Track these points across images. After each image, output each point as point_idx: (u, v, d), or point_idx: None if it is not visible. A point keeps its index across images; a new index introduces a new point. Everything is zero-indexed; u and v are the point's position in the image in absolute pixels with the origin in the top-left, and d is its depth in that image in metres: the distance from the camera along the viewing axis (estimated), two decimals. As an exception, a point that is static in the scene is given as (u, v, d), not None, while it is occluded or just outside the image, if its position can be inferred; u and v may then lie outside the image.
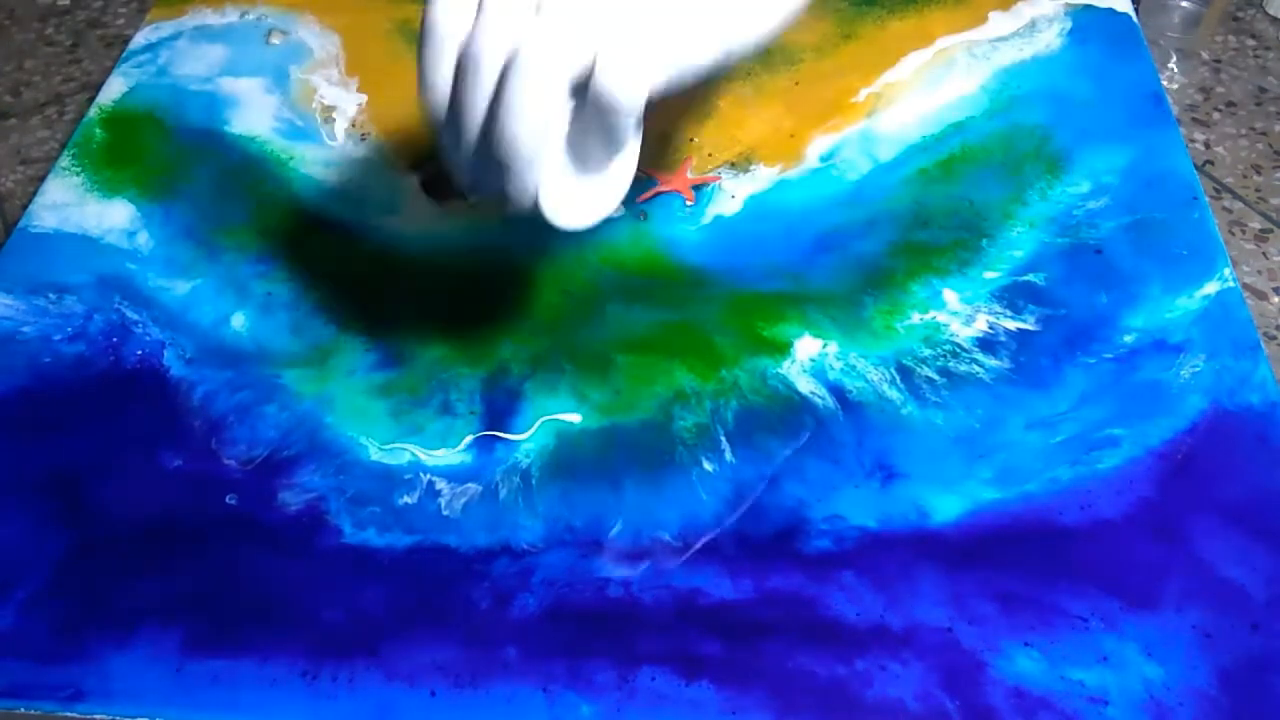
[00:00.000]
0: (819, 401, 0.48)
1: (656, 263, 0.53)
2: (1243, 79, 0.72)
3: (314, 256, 0.54)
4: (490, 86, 0.33)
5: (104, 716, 0.39)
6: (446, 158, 0.36)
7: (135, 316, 0.52)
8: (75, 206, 0.56)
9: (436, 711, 0.39)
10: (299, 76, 0.63)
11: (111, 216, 0.56)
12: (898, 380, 0.48)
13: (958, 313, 0.51)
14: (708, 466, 0.46)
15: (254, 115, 0.60)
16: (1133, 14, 0.65)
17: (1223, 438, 0.46)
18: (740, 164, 0.58)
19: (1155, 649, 0.40)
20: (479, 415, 0.48)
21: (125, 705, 0.39)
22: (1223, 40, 0.75)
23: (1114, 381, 0.48)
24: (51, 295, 0.52)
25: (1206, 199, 0.55)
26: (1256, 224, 0.63)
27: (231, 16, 0.67)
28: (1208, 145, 0.68)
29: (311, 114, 0.61)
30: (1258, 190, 0.65)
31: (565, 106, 0.34)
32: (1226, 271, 0.51)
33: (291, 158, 0.59)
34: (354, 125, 0.61)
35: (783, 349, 0.49)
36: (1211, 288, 0.51)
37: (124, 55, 0.65)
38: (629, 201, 0.56)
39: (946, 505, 0.44)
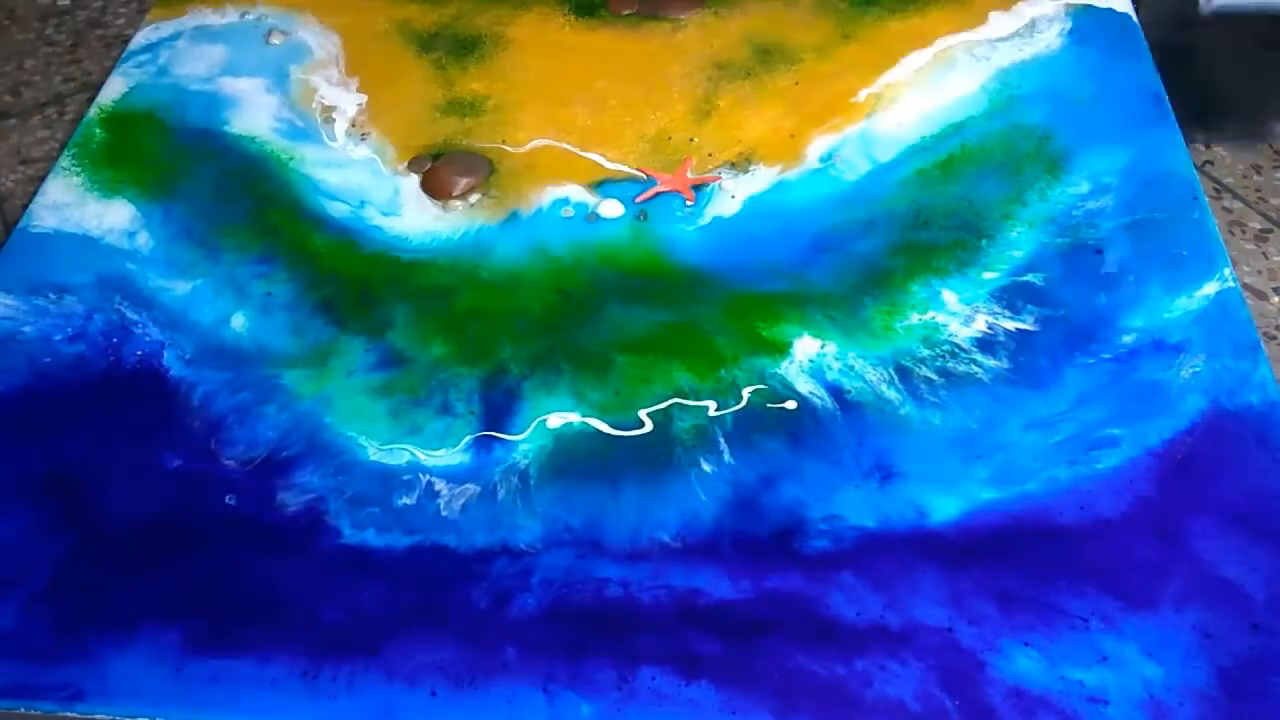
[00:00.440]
0: (817, 402, 0.48)
1: (656, 263, 0.53)
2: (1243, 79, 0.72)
3: (314, 256, 0.54)
4: None
5: (104, 716, 0.39)
6: None
7: (135, 317, 0.52)
8: (75, 206, 0.56)
9: (436, 711, 0.39)
10: (299, 76, 0.63)
11: (111, 216, 0.56)
12: (896, 380, 0.48)
13: (956, 313, 0.51)
14: (706, 467, 0.46)
15: (254, 115, 0.60)
16: (1133, 14, 0.65)
17: (1222, 438, 0.46)
18: (740, 164, 0.58)
19: (1155, 649, 0.40)
20: (478, 415, 0.48)
21: (125, 705, 0.39)
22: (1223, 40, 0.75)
23: (1113, 381, 0.48)
24: (51, 295, 0.52)
25: (1206, 199, 0.55)
26: (1256, 224, 0.63)
27: (231, 16, 0.67)
28: (1208, 145, 0.68)
29: (311, 114, 0.61)
30: (1258, 190, 0.65)
31: None
32: (1226, 271, 0.51)
33: (291, 158, 0.59)
34: (354, 125, 0.61)
35: (782, 349, 0.49)
36: (1211, 288, 0.51)
37: (124, 55, 0.65)
38: (629, 201, 0.56)
39: (945, 505, 0.44)
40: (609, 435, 0.47)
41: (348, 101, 0.62)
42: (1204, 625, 0.41)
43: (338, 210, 0.56)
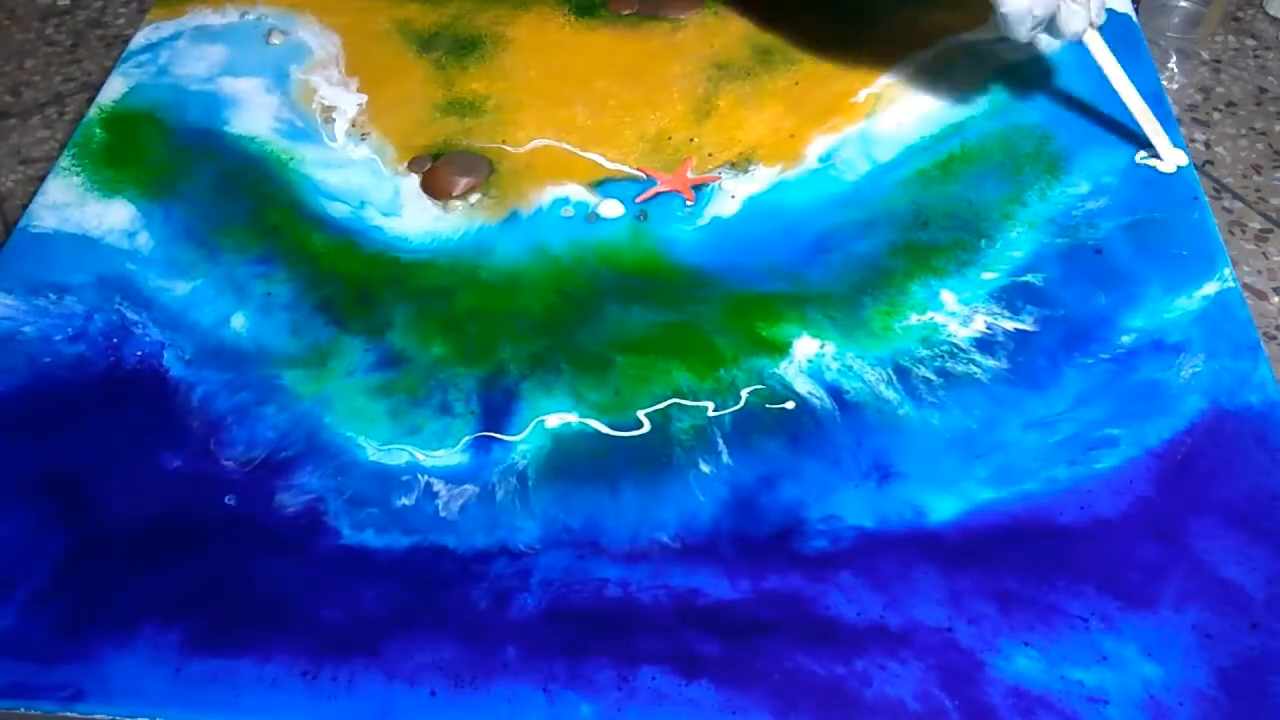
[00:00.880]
0: (816, 402, 0.48)
1: (655, 263, 0.54)
2: (1243, 79, 0.72)
3: (314, 256, 0.54)
4: None
5: (104, 716, 0.39)
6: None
7: (135, 317, 0.52)
8: (75, 206, 0.57)
9: (436, 711, 0.39)
10: (299, 76, 0.63)
11: (111, 216, 0.56)
12: (894, 380, 0.48)
13: (956, 313, 0.51)
14: (705, 468, 0.46)
15: (254, 115, 0.60)
16: (1133, 14, 0.65)
17: (1222, 438, 0.46)
18: (740, 164, 0.58)
19: (1154, 649, 0.40)
20: (477, 416, 0.48)
21: (125, 705, 0.39)
22: (1223, 40, 0.75)
23: (1112, 381, 0.48)
24: (51, 295, 0.52)
25: (1206, 199, 0.55)
26: (1256, 224, 0.63)
27: (231, 16, 0.67)
28: (1208, 145, 0.68)
29: (311, 114, 0.61)
30: (1258, 190, 0.65)
31: None
32: (1226, 271, 0.51)
33: (291, 158, 0.59)
34: (354, 125, 0.61)
35: (781, 349, 0.49)
36: (1211, 288, 0.51)
37: (124, 55, 0.65)
38: (629, 201, 0.56)
39: (943, 505, 0.44)
40: (608, 435, 0.47)
41: (348, 101, 0.62)
42: (1204, 625, 0.41)
43: (338, 210, 0.56)
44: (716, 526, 0.44)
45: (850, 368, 0.49)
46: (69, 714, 0.39)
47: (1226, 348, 0.48)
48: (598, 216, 0.56)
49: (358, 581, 0.43)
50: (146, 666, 0.40)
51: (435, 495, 0.45)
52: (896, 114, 0.60)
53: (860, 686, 0.39)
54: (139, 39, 0.66)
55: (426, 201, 0.57)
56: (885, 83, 0.61)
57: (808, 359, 0.49)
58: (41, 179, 0.58)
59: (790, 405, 0.47)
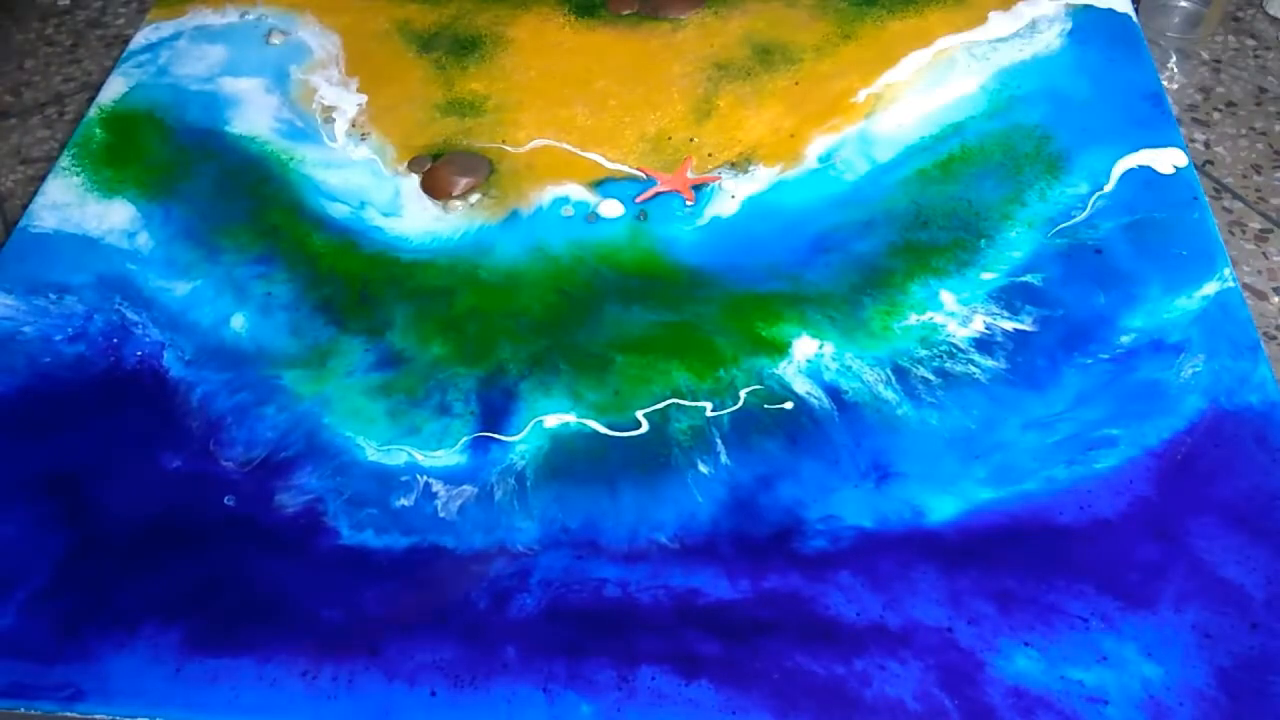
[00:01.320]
0: (815, 402, 0.48)
1: (655, 263, 0.54)
2: (1243, 79, 0.72)
3: (314, 256, 0.54)
4: None
5: (104, 716, 0.39)
6: None
7: (135, 317, 0.52)
8: (75, 206, 0.56)
9: (436, 711, 0.39)
10: (299, 76, 0.63)
11: (111, 216, 0.56)
12: (893, 380, 0.48)
13: (955, 313, 0.51)
14: (703, 469, 0.46)
15: (254, 115, 0.60)
16: (1133, 14, 0.65)
17: (1222, 438, 0.46)
18: (740, 164, 0.58)
19: (1154, 649, 0.40)
20: (476, 416, 0.48)
21: (125, 705, 0.39)
22: (1223, 40, 0.75)
23: (1112, 381, 0.48)
24: (51, 295, 0.52)
25: (1206, 199, 0.55)
26: (1256, 224, 0.63)
27: (231, 16, 0.67)
28: (1208, 145, 0.68)
29: (311, 114, 0.61)
30: (1258, 190, 0.65)
31: None
32: (1226, 272, 0.51)
33: (291, 158, 0.59)
34: (354, 125, 0.61)
35: (781, 349, 0.49)
36: (1211, 288, 0.51)
37: (124, 55, 0.65)
38: (629, 201, 0.56)
39: (942, 505, 0.44)
40: (606, 436, 0.47)
41: (348, 101, 0.62)
42: (1203, 625, 0.41)
43: (338, 210, 0.56)
44: (715, 527, 0.44)
45: (849, 368, 0.49)
46: (69, 714, 0.39)
47: (1226, 348, 0.48)
48: (598, 216, 0.56)
49: (358, 582, 0.43)
50: (146, 666, 0.40)
51: (434, 496, 0.45)
52: (896, 114, 0.60)
53: (860, 686, 0.39)
54: (139, 39, 0.66)
55: (426, 201, 0.57)
56: (885, 83, 0.61)
57: (807, 359, 0.49)
58: (41, 179, 0.58)
59: (789, 405, 0.47)
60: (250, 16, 0.67)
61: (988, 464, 0.45)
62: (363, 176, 0.58)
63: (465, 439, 0.47)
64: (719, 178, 0.57)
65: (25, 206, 0.57)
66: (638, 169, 0.58)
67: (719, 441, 0.46)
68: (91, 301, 0.52)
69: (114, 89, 0.63)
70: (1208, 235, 0.53)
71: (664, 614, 0.41)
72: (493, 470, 0.46)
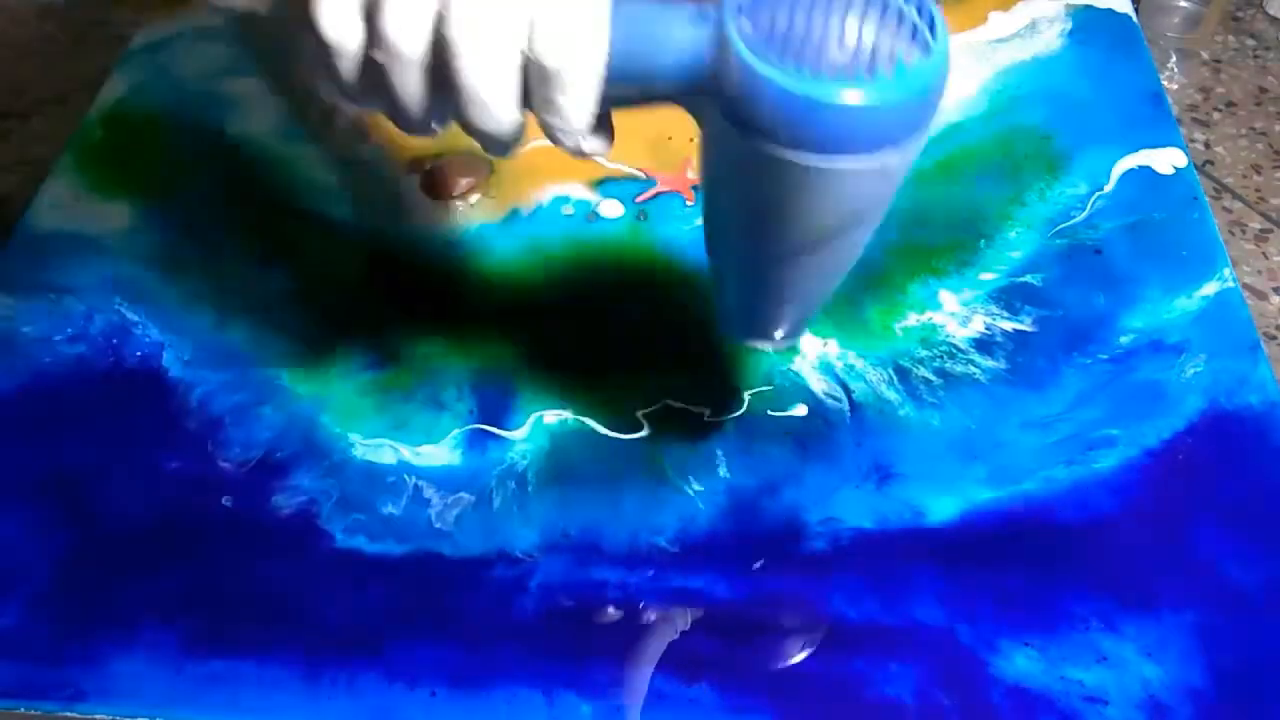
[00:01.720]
0: (817, 402, 0.48)
1: (655, 262, 0.53)
2: (1243, 79, 0.72)
3: (314, 256, 0.54)
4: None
5: (104, 716, 0.39)
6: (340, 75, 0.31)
7: (135, 318, 0.52)
8: (75, 206, 0.56)
9: (436, 711, 0.39)
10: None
11: (111, 216, 0.56)
12: (895, 381, 0.48)
13: (955, 314, 0.51)
14: (703, 470, 0.46)
15: (254, 115, 0.60)
16: (1133, 14, 0.65)
17: (1221, 438, 0.46)
18: (740, 164, 0.58)
19: (1153, 648, 0.40)
20: (474, 415, 0.48)
21: (125, 705, 0.39)
22: (1223, 40, 0.75)
23: (1111, 382, 0.48)
24: (51, 295, 0.52)
25: (1206, 199, 0.55)
26: (1256, 224, 0.63)
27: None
28: (1208, 145, 0.68)
29: (312, 115, 0.61)
30: (1258, 190, 0.65)
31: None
32: (1226, 272, 0.51)
33: (292, 158, 0.59)
34: (354, 126, 0.60)
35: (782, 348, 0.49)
36: (1211, 288, 0.51)
37: (124, 55, 0.65)
38: (629, 201, 0.56)
39: (942, 505, 0.44)
40: (605, 437, 0.47)
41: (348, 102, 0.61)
42: (1203, 625, 0.41)
43: (338, 210, 0.56)
44: (715, 528, 0.44)
45: (852, 367, 0.49)
46: (70, 714, 0.39)
47: (1226, 348, 0.48)
48: (598, 216, 0.56)
49: (358, 582, 0.43)
50: (146, 667, 0.40)
51: (432, 497, 0.45)
52: (896, 114, 0.60)
53: (860, 686, 0.39)
54: (139, 39, 0.66)
55: (426, 201, 0.57)
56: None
57: (809, 359, 0.49)
58: (41, 179, 0.58)
59: (790, 407, 0.47)
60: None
61: (987, 464, 0.45)
62: (363, 177, 0.58)
63: (464, 438, 0.47)
64: (719, 178, 0.57)
65: (25, 206, 0.57)
66: (638, 169, 0.58)
67: (720, 442, 0.46)
68: (91, 301, 0.52)
69: (114, 89, 0.62)
70: (1208, 235, 0.53)
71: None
72: (492, 471, 0.46)
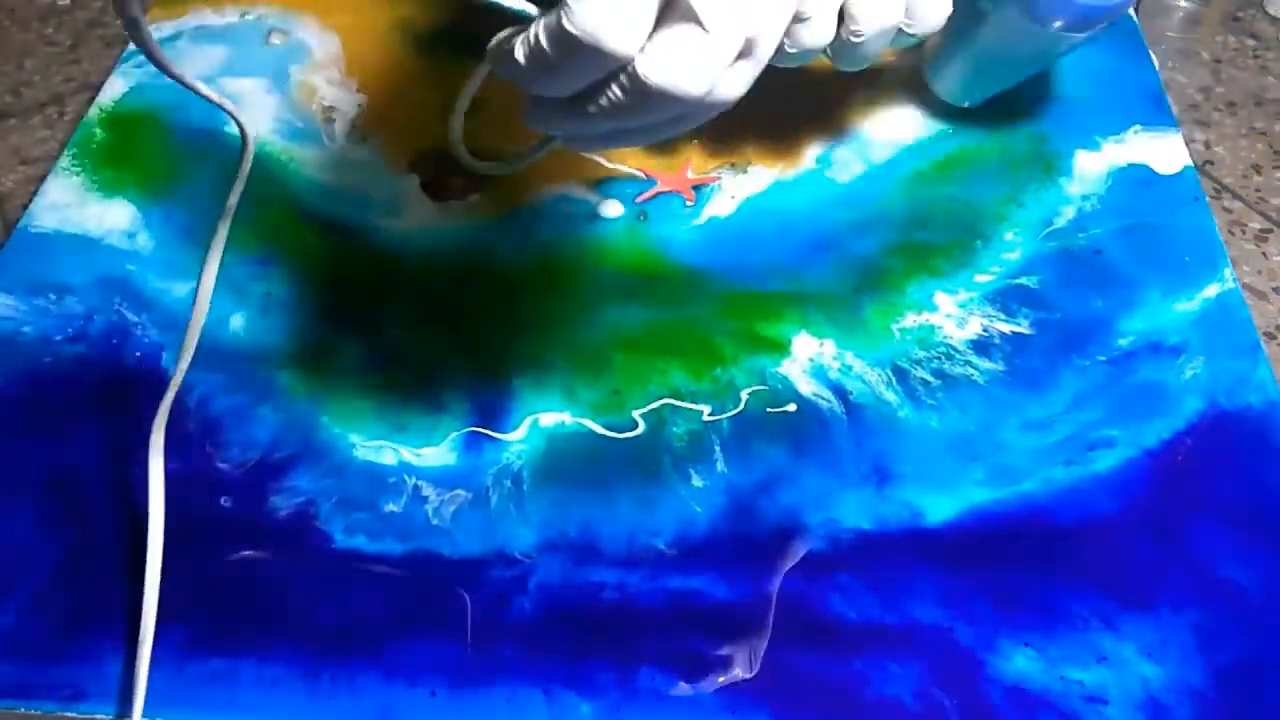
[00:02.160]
0: (817, 404, 0.48)
1: (653, 262, 0.54)
2: (1243, 79, 0.72)
3: (314, 256, 0.54)
4: None
5: (104, 716, 0.39)
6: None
7: (135, 318, 0.52)
8: (75, 206, 0.56)
9: (436, 711, 0.39)
10: (299, 77, 0.63)
11: (111, 216, 0.56)
12: (894, 382, 0.48)
13: (951, 315, 0.51)
14: (701, 471, 0.46)
15: (254, 116, 0.60)
16: (1133, 14, 0.65)
17: (1221, 438, 0.46)
18: (739, 164, 0.58)
19: (1153, 648, 0.40)
20: (473, 415, 0.48)
21: (125, 705, 0.39)
22: (1223, 40, 0.75)
23: (1110, 382, 0.48)
24: (51, 295, 0.52)
25: (1206, 199, 0.55)
26: (1256, 224, 0.63)
27: (231, 16, 0.67)
28: (1208, 145, 0.68)
29: (311, 115, 0.61)
30: (1258, 190, 0.65)
31: None
32: (1227, 273, 0.51)
33: (291, 158, 0.59)
34: (354, 126, 0.61)
35: (781, 348, 0.49)
36: (1211, 289, 0.51)
37: (124, 55, 0.65)
38: (629, 201, 0.56)
39: (941, 506, 0.44)
40: (603, 437, 0.47)
41: (348, 102, 0.62)
42: (1202, 625, 0.41)
43: (338, 210, 0.56)
44: (714, 529, 0.44)
45: (850, 368, 0.49)
46: (69, 714, 0.39)
47: (1226, 348, 0.48)
48: (598, 216, 0.56)
49: (357, 582, 0.43)
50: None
51: (430, 497, 0.45)
52: (894, 115, 0.60)
53: (860, 686, 0.39)
54: (139, 39, 0.66)
55: (426, 201, 0.57)
56: (883, 84, 0.61)
57: (808, 359, 0.49)
58: (41, 179, 0.58)
59: (791, 407, 0.47)
60: (250, 16, 0.67)
61: (987, 465, 0.45)
62: (363, 177, 0.58)
63: (461, 439, 0.47)
64: (718, 178, 0.57)
65: (25, 206, 0.57)
66: (638, 169, 0.58)
67: (718, 443, 0.46)
68: (91, 302, 0.52)
69: (114, 89, 0.62)
70: (1208, 236, 0.53)
71: (664, 616, 0.41)
72: (489, 471, 0.46)
